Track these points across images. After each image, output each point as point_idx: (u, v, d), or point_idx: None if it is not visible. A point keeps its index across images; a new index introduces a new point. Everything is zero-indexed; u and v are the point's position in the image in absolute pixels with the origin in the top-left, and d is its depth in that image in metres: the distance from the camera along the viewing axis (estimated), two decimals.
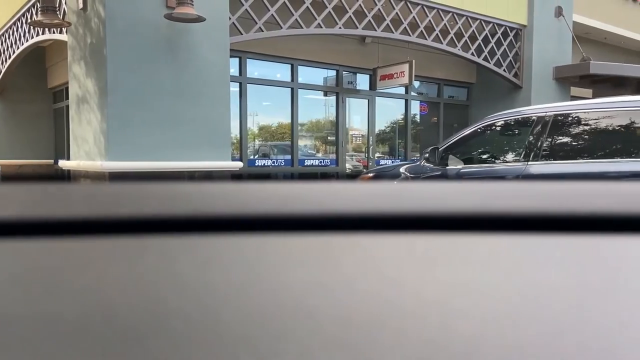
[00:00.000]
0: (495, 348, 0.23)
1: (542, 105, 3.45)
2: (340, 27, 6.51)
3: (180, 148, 4.92)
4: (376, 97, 8.56)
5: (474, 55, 7.99)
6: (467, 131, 3.70)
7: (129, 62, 4.67)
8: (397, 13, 6.99)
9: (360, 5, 6.63)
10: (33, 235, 0.34)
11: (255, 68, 7.40)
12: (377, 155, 8.93)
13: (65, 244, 0.34)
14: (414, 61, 7.74)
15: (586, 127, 3.12)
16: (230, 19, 5.41)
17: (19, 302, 0.27)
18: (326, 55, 7.82)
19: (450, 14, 7.62)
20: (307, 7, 6.13)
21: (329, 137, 8.37)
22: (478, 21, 7.97)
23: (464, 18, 7.79)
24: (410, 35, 7.21)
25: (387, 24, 6.92)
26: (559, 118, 3.16)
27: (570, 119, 3.17)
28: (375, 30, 6.88)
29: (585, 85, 10.05)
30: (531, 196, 0.39)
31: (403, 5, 7.07)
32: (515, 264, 0.31)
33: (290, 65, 7.67)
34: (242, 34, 5.64)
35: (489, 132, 3.62)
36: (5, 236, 0.35)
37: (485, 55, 8.14)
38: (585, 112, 3.16)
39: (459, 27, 7.74)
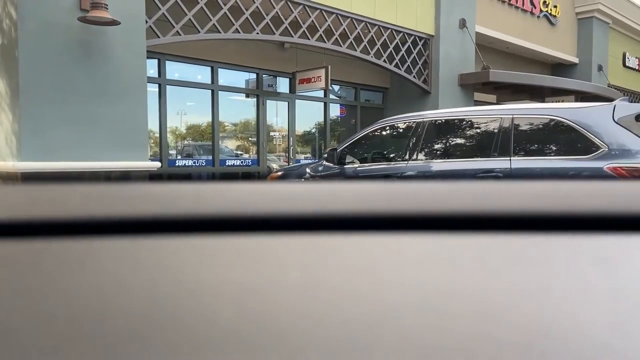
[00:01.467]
0: (492, 347, 0.23)
1: (421, 112, 3.95)
2: (257, 33, 6.80)
3: (96, 148, 5.01)
4: (296, 100, 8.93)
5: (386, 62, 8.55)
6: (362, 134, 4.15)
7: (43, 63, 4.70)
8: (313, 21, 7.38)
9: (277, 12, 6.95)
10: (27, 236, 0.34)
11: (175, 69, 7.52)
12: (304, 155, 9.31)
13: (64, 244, 0.34)
14: (329, 67, 8.18)
15: (454, 131, 3.64)
16: (147, 22, 5.55)
17: (17, 303, 0.27)
18: (246, 59, 8.08)
19: (363, 23, 8.12)
20: (225, 12, 6.37)
21: (250, 138, 8.64)
22: (389, 30, 8.55)
23: (376, 27, 8.33)
24: (326, 42, 7.62)
25: (304, 30, 7.30)
26: (433, 123, 3.67)
27: (442, 124, 3.69)
28: (292, 37, 7.23)
29: (487, 91, 10.98)
30: (528, 195, 0.39)
31: (319, 13, 7.47)
32: (514, 264, 0.31)
33: (210, 68, 7.86)
34: (159, 37, 5.79)
35: (379, 134, 4.08)
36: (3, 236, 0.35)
37: (397, 62, 8.73)
38: (453, 119, 3.68)
39: (372, 36, 8.27)
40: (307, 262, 0.32)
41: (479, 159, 3.33)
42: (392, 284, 0.29)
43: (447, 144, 3.64)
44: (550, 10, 12.41)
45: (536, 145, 3.20)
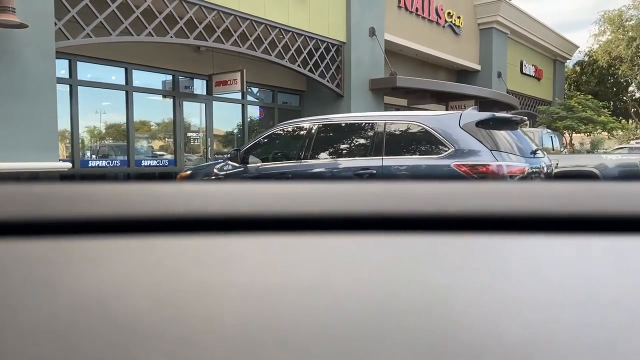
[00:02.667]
0: (496, 347, 0.24)
1: (312, 117, 4.43)
2: (171, 37, 6.99)
3: (2, 149, 5.02)
4: (213, 102, 9.16)
5: (300, 67, 8.99)
6: (263, 135, 4.56)
7: None
8: (227, 25, 7.66)
9: (191, 16, 7.17)
10: (30, 235, 0.34)
11: (88, 70, 7.52)
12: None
13: (64, 244, 0.34)
14: (245, 70, 8.49)
15: (340, 134, 4.15)
16: (56, 24, 5.60)
17: (18, 303, 0.27)
18: (162, 61, 8.20)
19: (278, 29, 8.51)
20: (138, 16, 6.51)
21: (167, 139, 8.78)
22: (303, 37, 9.00)
23: (290, 33, 8.75)
24: (240, 47, 7.93)
25: (219, 35, 7.57)
26: (323, 127, 4.15)
27: (330, 127, 4.18)
28: (207, 41, 7.48)
29: (397, 95, 11.74)
30: (530, 197, 0.39)
31: (233, 19, 7.76)
32: (516, 265, 0.31)
33: (124, 69, 7.91)
34: (69, 39, 5.85)
35: (278, 136, 4.51)
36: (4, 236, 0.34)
37: (311, 67, 9.20)
38: (339, 123, 4.18)
39: (286, 41, 8.68)
40: (311, 262, 0.32)
41: (358, 158, 3.85)
42: (395, 284, 0.29)
43: (333, 145, 4.13)
44: (455, 20, 13.44)
45: (402, 147, 3.75)
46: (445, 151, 3.48)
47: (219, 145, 9.74)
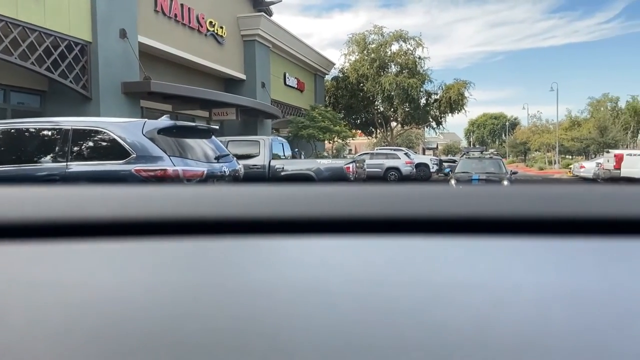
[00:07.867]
0: (487, 346, 0.24)
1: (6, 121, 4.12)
2: None
3: None
4: None
5: (34, 65, 8.17)
6: None
7: None
8: None
9: None
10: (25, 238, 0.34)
11: None
12: None
13: (65, 245, 0.33)
14: None
15: (22, 139, 3.92)
16: None
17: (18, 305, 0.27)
18: None
19: (4, 22, 7.60)
20: None
21: None
22: (37, 32, 8.20)
23: (20, 28, 7.89)
24: None
25: None
26: (4, 130, 3.89)
27: (11, 132, 3.93)
28: None
29: (156, 100, 11.53)
30: (525, 199, 0.39)
31: None
32: (506, 266, 0.32)
33: None
34: None
35: None
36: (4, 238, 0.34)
37: (49, 66, 8.44)
38: (20, 127, 3.96)
39: (16, 36, 7.79)
40: (304, 263, 0.32)
41: (43, 164, 3.70)
42: (386, 286, 0.29)
43: (15, 150, 3.88)
44: (217, 30, 13.81)
45: (87, 152, 3.74)
46: (128, 156, 3.58)
47: None
